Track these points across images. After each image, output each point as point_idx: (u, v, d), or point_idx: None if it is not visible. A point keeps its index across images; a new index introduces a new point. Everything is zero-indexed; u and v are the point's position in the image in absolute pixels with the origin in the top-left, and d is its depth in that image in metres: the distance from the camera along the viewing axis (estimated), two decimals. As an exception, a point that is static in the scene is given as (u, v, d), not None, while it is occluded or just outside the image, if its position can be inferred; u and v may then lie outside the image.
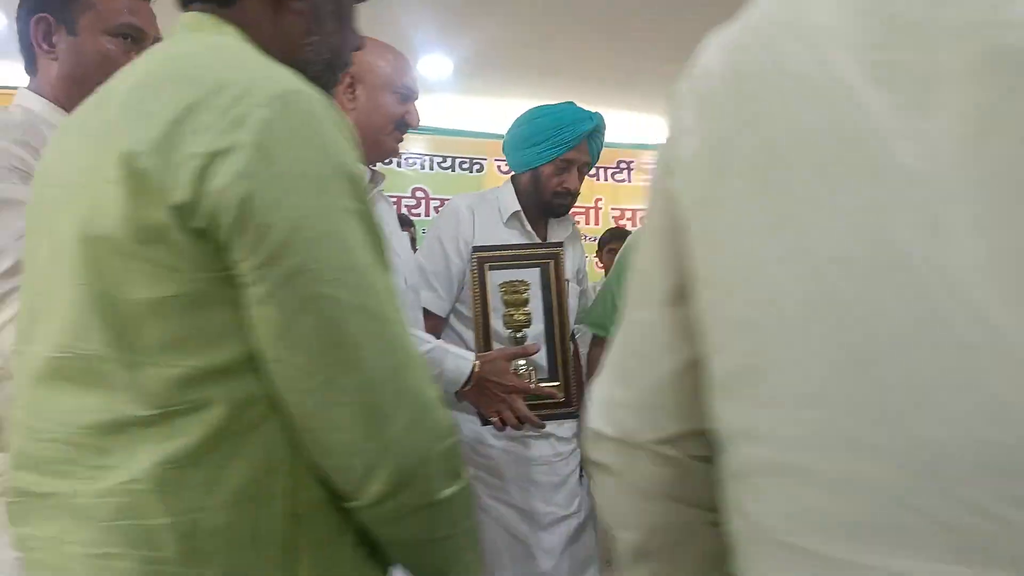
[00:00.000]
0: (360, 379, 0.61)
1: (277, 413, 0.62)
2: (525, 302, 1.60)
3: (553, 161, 1.76)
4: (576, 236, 1.94)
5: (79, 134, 0.68)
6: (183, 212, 0.58)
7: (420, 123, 1.49)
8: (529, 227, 1.81)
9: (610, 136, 5.72)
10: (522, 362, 1.55)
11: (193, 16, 0.74)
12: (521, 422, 1.49)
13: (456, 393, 1.44)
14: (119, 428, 0.60)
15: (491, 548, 1.69)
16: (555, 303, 1.59)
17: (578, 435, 1.83)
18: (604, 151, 5.69)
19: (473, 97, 4.55)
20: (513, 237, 1.77)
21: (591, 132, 1.78)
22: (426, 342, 1.42)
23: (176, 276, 0.59)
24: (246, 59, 0.66)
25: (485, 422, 1.53)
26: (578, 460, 1.86)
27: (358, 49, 0.87)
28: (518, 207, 1.79)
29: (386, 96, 1.45)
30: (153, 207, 0.58)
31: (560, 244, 1.66)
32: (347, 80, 1.43)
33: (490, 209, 1.80)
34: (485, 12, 3.31)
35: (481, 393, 1.45)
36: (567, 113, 1.78)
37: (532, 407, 1.51)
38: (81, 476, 0.61)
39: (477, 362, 1.45)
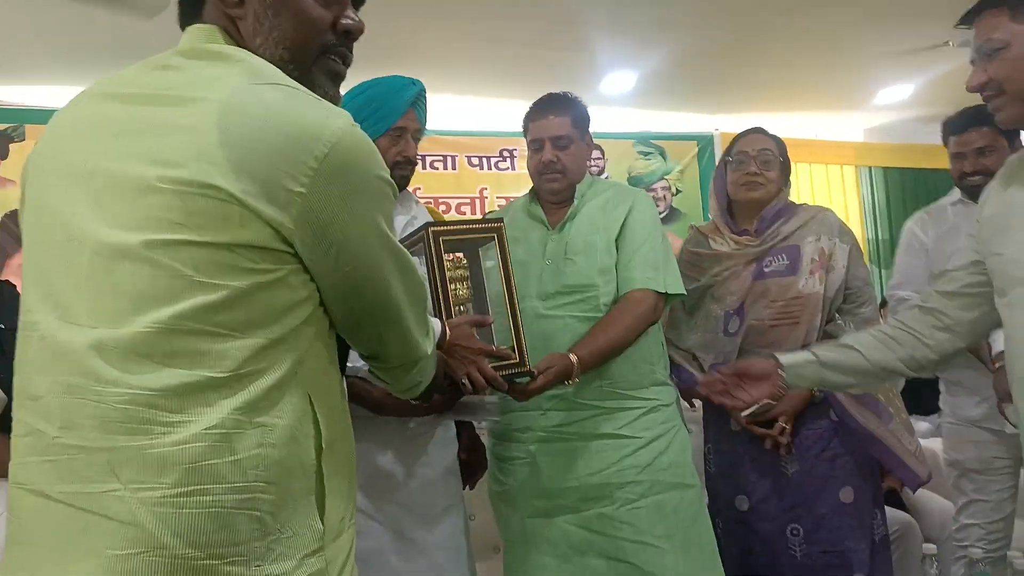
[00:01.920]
0: (400, 323, 0.96)
1: (304, 372, 0.83)
2: (467, 277, 1.65)
3: (387, 133, 1.74)
4: (423, 212, 1.93)
5: (119, 134, 0.82)
6: (283, 233, 0.80)
7: None
8: None
9: (492, 125, 5.65)
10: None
11: (206, 31, 0.90)
12: (488, 382, 1.52)
13: None
14: (196, 389, 0.76)
15: (377, 551, 1.65)
16: (503, 274, 1.65)
17: (458, 422, 1.86)
18: (487, 140, 5.61)
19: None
20: None
21: (416, 98, 1.79)
22: None
23: (264, 270, 0.79)
24: (302, 95, 0.83)
25: (451, 388, 1.57)
26: (455, 448, 1.84)
27: (347, 32, 0.95)
28: None
29: None
30: (260, 229, 0.78)
31: (501, 219, 1.70)
32: None
33: None
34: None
35: (451, 356, 1.50)
36: (389, 83, 1.79)
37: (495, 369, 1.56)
38: (157, 432, 0.74)
39: (444, 326, 1.49)
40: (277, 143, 0.77)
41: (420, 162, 4.90)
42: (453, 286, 1.63)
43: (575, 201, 1.93)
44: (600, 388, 1.81)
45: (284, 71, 0.86)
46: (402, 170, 1.77)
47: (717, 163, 2.18)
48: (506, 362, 1.61)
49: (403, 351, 1.00)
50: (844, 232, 2.06)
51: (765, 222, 2.07)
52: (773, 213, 2.07)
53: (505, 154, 5.24)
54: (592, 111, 2.01)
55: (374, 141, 1.70)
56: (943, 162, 2.41)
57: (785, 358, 1.57)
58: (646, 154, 5.41)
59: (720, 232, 2.14)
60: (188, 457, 0.74)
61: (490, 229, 1.66)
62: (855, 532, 1.90)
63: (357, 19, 0.96)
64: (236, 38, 0.91)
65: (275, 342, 0.80)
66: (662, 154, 5.42)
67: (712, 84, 4.85)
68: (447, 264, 1.62)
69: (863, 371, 1.54)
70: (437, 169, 5.08)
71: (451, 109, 4.89)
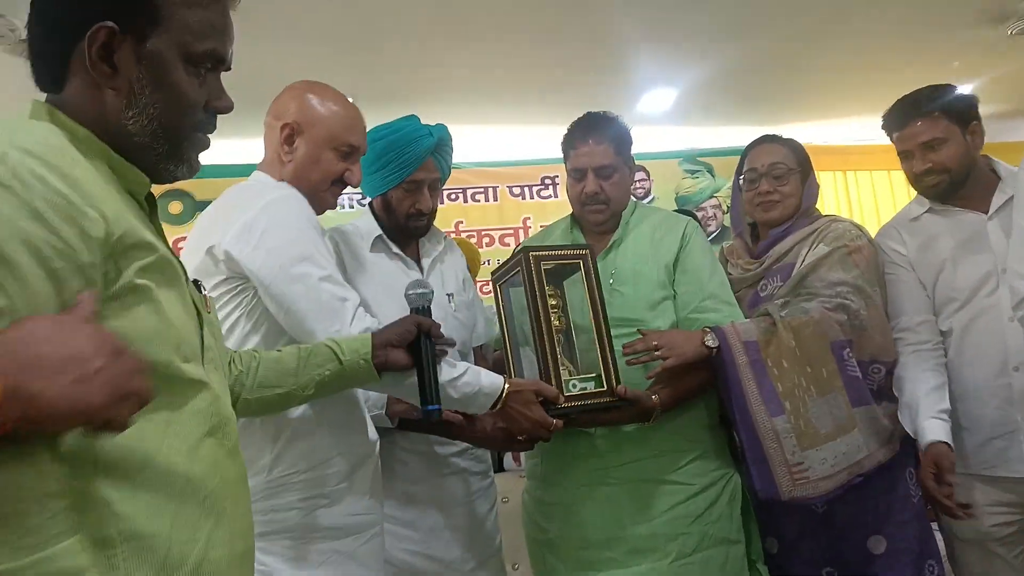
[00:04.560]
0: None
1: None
2: (559, 307, 1.63)
3: (400, 184, 1.71)
4: (451, 247, 1.91)
5: None
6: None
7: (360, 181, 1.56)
8: (396, 248, 1.78)
9: (531, 153, 5.59)
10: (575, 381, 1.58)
11: (36, 108, 0.87)
12: (550, 430, 1.51)
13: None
14: None
15: None
16: (589, 298, 1.59)
17: (494, 467, 1.82)
18: (527, 169, 5.53)
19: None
20: (381, 260, 1.76)
21: (435, 147, 1.72)
22: (457, 365, 1.43)
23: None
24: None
25: (508, 442, 1.62)
26: (495, 495, 1.79)
27: (223, 110, 0.94)
28: (379, 231, 1.78)
29: (326, 152, 1.47)
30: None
31: (588, 246, 1.66)
32: (287, 129, 1.47)
33: (353, 239, 1.78)
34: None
35: (506, 416, 1.50)
36: (406, 132, 1.72)
37: (585, 410, 1.55)
38: None
39: (507, 386, 1.47)
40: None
41: (462, 195, 4.93)
42: (557, 313, 1.60)
43: (619, 228, 1.80)
44: (650, 428, 1.64)
45: (153, 144, 0.88)
46: (416, 221, 1.77)
47: (732, 181, 1.99)
48: (593, 402, 1.57)
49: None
50: (840, 237, 1.76)
51: (766, 242, 1.87)
52: (781, 231, 1.85)
53: (547, 181, 5.14)
54: (633, 131, 1.86)
55: (389, 191, 1.75)
56: (1018, 160, 1.99)
57: None
58: (693, 172, 5.21)
59: (738, 254, 1.96)
60: None
61: (577, 255, 1.61)
62: None
63: (229, 102, 0.95)
64: (93, 109, 0.86)
65: None
66: (710, 171, 5.21)
67: (758, 93, 4.65)
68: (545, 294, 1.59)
69: None
70: (479, 202, 5.00)
71: (490, 140, 4.81)
